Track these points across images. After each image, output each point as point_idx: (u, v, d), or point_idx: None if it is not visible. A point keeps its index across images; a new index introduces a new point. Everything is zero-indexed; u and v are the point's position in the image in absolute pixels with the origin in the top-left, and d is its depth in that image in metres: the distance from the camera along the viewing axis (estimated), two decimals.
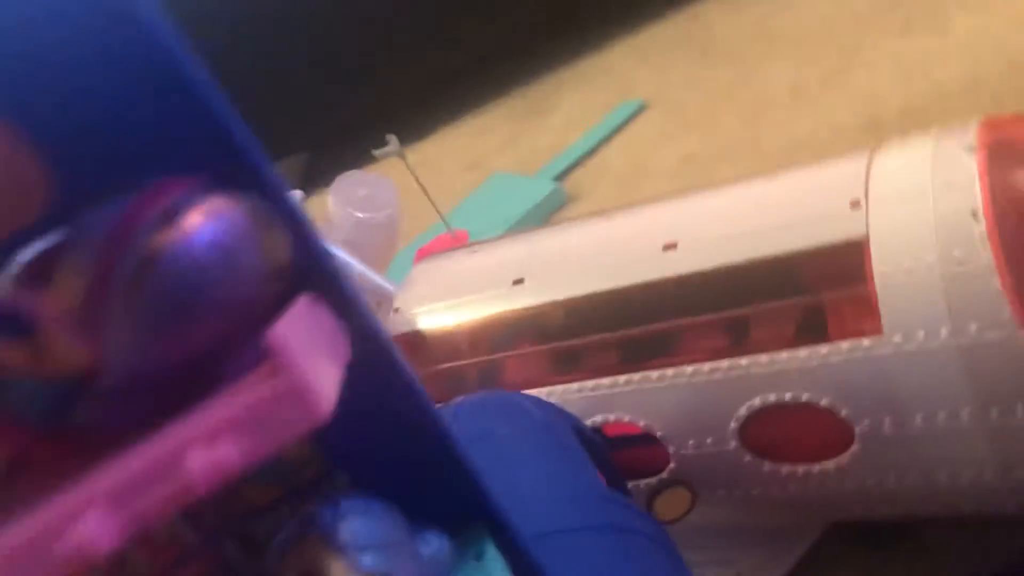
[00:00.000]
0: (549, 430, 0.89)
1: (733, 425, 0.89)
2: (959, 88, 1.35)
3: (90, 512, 0.38)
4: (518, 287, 1.03)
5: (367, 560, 0.54)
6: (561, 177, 1.73)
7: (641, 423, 0.93)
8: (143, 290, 0.42)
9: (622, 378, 0.94)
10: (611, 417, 0.95)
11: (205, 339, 0.43)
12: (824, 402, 0.84)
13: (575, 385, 0.97)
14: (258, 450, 0.39)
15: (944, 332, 0.77)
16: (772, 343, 0.89)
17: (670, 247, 0.95)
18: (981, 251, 0.76)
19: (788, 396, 0.85)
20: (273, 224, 0.44)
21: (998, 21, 1.44)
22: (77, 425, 0.45)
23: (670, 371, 0.93)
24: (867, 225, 0.83)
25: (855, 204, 0.85)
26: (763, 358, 0.88)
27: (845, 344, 0.84)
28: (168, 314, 0.42)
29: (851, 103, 1.50)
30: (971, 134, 0.82)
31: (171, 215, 0.42)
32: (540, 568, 0.60)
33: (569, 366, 1.02)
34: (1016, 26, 1.40)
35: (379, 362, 0.52)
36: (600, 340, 1.00)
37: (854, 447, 0.83)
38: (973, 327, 0.75)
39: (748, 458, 0.88)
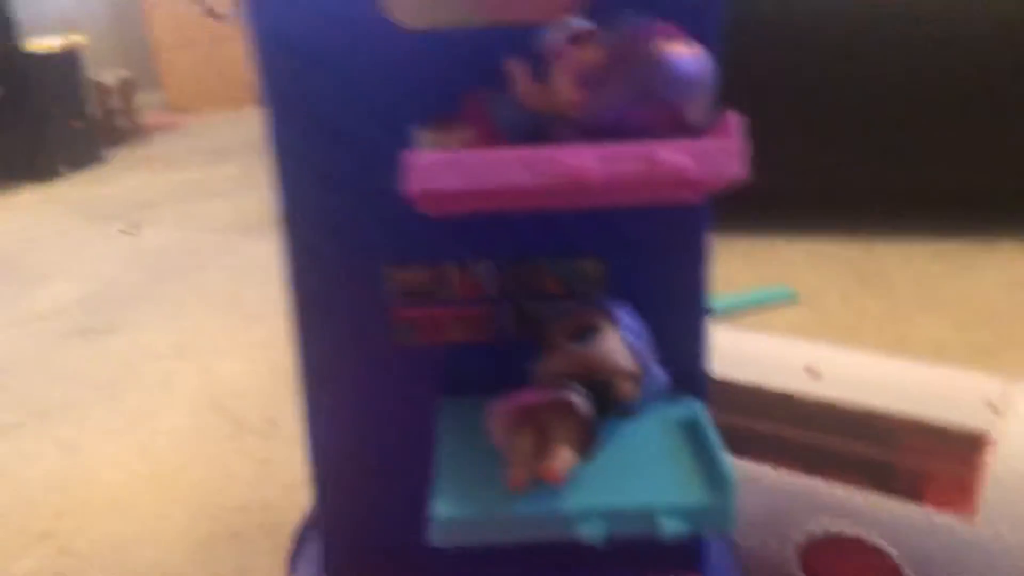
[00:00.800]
0: None
1: (798, 539, 1.00)
2: None
3: (586, 153, 0.64)
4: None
5: (628, 335, 0.78)
6: None
7: None
8: (640, 70, 0.69)
9: None
10: None
11: (659, 118, 0.70)
12: (894, 553, 0.94)
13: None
14: (700, 168, 0.64)
15: None
16: (865, 483, 1.03)
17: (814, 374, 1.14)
18: None
19: (860, 534, 0.96)
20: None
21: None
22: (537, 142, 0.70)
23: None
24: (995, 427, 0.97)
25: (992, 407, 1.02)
26: (856, 494, 1.02)
27: (935, 513, 0.96)
28: (647, 93, 0.69)
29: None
30: None
31: (678, 39, 0.70)
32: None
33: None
34: None
35: None
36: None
37: None
38: None
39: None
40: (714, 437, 0.78)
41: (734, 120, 0.65)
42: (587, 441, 0.72)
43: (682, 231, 0.84)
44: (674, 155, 0.63)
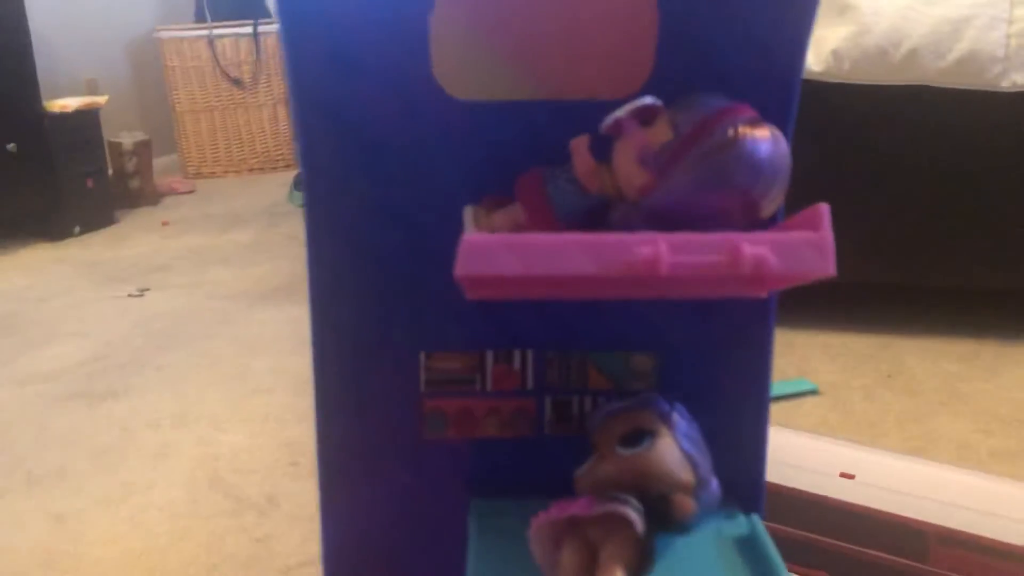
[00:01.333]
0: None
1: None
2: None
3: (661, 245, 0.58)
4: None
5: (685, 441, 0.71)
6: None
7: None
8: (715, 153, 0.63)
9: None
10: None
11: (732, 205, 0.64)
12: None
13: None
14: (785, 265, 0.58)
15: None
16: None
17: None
18: None
19: None
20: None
21: None
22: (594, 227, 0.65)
23: None
24: None
25: None
26: None
27: None
28: (722, 178, 0.63)
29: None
30: None
31: (756, 122, 0.64)
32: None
33: None
34: None
35: None
36: None
37: None
38: None
39: None
40: (775, 557, 0.70)
41: (824, 212, 0.59)
42: (641, 562, 0.65)
43: (745, 324, 0.78)
44: (758, 249, 0.57)
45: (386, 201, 0.76)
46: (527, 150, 0.71)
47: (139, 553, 1.61)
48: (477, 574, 0.71)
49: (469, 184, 0.72)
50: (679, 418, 0.74)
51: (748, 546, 0.75)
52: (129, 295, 3.02)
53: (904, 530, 1.11)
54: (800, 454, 1.32)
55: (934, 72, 2.12)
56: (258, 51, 4.56)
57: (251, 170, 4.74)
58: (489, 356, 0.81)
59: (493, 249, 0.58)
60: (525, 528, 0.70)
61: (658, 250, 0.57)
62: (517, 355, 0.80)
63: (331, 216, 0.76)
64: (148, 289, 3.06)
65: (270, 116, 4.73)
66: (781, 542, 1.12)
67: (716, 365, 0.80)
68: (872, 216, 2.31)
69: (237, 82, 4.59)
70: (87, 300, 3.01)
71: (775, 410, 1.98)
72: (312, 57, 0.72)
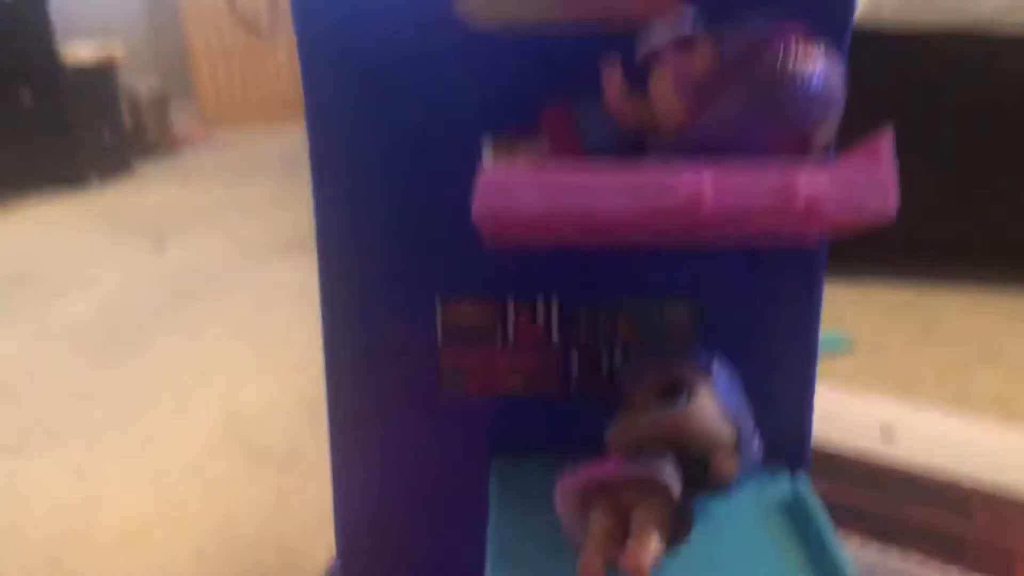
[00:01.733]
0: None
1: None
2: None
3: (706, 179, 0.51)
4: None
5: (725, 397, 0.65)
6: None
7: None
8: (763, 84, 0.56)
9: None
10: None
11: (780, 139, 0.57)
12: None
13: None
14: (845, 202, 0.52)
15: None
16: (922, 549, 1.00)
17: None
18: None
19: None
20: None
21: None
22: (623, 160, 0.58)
23: None
24: None
25: None
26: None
27: None
28: (772, 108, 0.56)
29: None
30: None
31: (808, 45, 0.57)
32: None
33: None
34: None
35: None
36: None
37: None
38: None
39: None
40: (824, 520, 0.65)
41: (886, 144, 0.52)
42: (677, 527, 0.59)
43: (792, 271, 0.71)
44: (815, 186, 0.50)
45: (398, 138, 0.70)
46: (552, 85, 0.64)
47: (158, 508, 1.60)
48: (498, 538, 0.66)
49: (489, 119, 0.66)
50: (719, 371, 0.68)
51: (793, 508, 0.70)
52: (148, 247, 2.99)
53: (945, 487, 1.07)
54: (837, 409, 1.28)
55: (988, 11, 2.01)
56: None
57: (271, 119, 4.68)
58: (511, 307, 0.75)
59: (514, 186, 0.52)
60: (550, 490, 0.65)
61: (701, 185, 0.51)
62: (541, 306, 0.74)
63: (338, 156, 0.71)
64: (165, 239, 3.02)
65: (288, 63, 4.65)
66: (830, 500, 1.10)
67: (760, 317, 0.73)
68: (919, 169, 2.22)
69: (254, 28, 4.50)
70: (104, 252, 2.99)
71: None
72: None
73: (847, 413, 1.27)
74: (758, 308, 0.73)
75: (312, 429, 1.85)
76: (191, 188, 3.76)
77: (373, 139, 0.71)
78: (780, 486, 0.72)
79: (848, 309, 2.24)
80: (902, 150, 1.76)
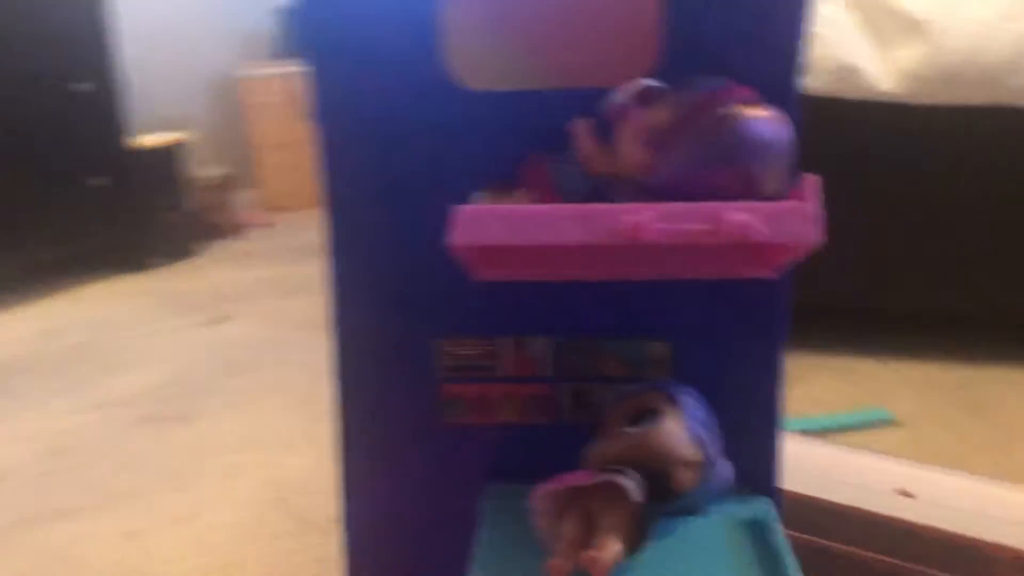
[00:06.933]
0: None
1: None
2: None
3: (646, 212, 0.61)
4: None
5: (692, 422, 0.74)
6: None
7: None
8: (713, 131, 0.66)
9: None
10: None
11: (731, 184, 0.66)
12: None
13: None
14: (770, 231, 0.60)
15: None
16: None
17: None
18: None
19: None
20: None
21: None
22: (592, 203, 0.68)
23: None
24: None
25: None
26: None
27: None
28: (720, 155, 0.66)
29: None
30: None
31: (751, 102, 0.67)
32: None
33: None
34: None
35: None
36: None
37: None
38: None
39: None
40: (781, 540, 0.72)
41: (812, 183, 0.61)
42: (637, 532, 0.67)
43: (758, 313, 0.80)
44: (741, 215, 0.59)
45: (400, 193, 0.81)
46: (535, 138, 0.75)
47: (205, 571, 1.68)
48: (484, 551, 0.74)
49: (478, 172, 0.77)
50: (688, 399, 0.76)
51: (755, 529, 0.77)
52: (204, 324, 3.13)
53: (972, 552, 1.08)
54: (861, 473, 1.29)
55: (1018, 91, 2.07)
56: None
57: None
58: (506, 343, 0.84)
59: (484, 218, 0.62)
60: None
61: (641, 217, 0.60)
62: (533, 342, 0.84)
63: (349, 213, 0.82)
64: (225, 318, 3.16)
65: None
66: (844, 561, 1.11)
67: (730, 353, 0.82)
68: (956, 243, 2.27)
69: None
70: (163, 329, 3.14)
71: (848, 438, 1.95)
72: (334, 57, 0.77)
73: (867, 475, 1.29)
74: (727, 345, 0.81)
75: None
76: (251, 267, 3.91)
77: (378, 192, 0.82)
78: (745, 510, 0.79)
79: (889, 386, 2.27)
80: (947, 225, 1.80)
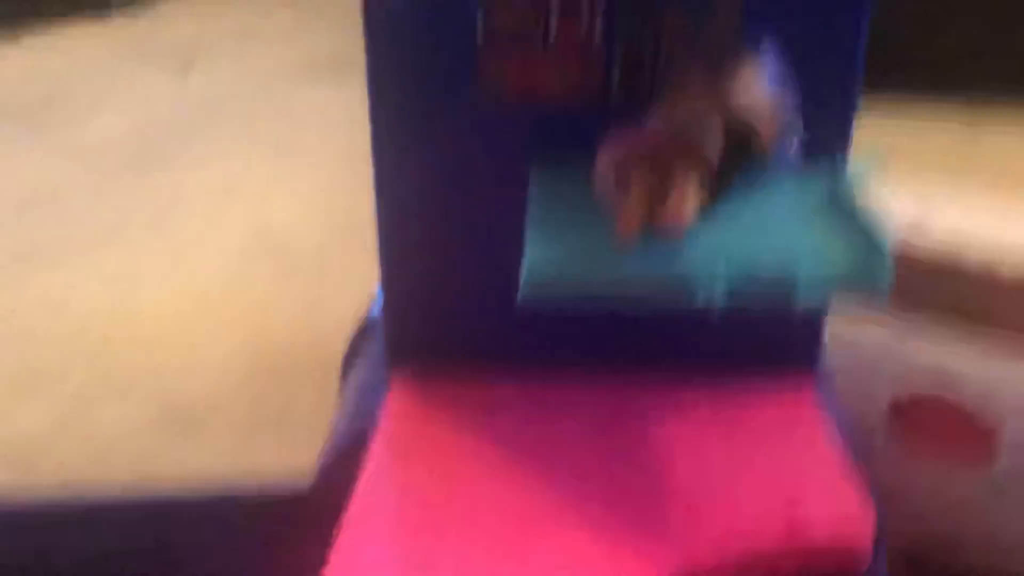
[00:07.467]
0: None
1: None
2: None
3: None
4: None
5: (771, 79, 0.64)
6: None
7: None
8: None
9: None
10: None
11: None
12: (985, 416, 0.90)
13: None
14: None
15: None
16: None
17: None
18: None
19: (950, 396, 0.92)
20: None
21: None
22: None
23: None
24: None
25: None
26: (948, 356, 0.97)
27: None
28: None
29: None
30: None
31: None
32: None
33: None
34: None
35: None
36: None
37: None
38: None
39: None
40: (862, 204, 0.65)
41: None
42: (715, 190, 0.60)
43: None
44: None
45: None
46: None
47: (191, 312, 1.66)
48: (537, 222, 0.67)
49: None
50: (769, 54, 0.67)
51: (834, 189, 0.70)
52: (174, 73, 2.97)
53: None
54: None
55: None
56: None
57: None
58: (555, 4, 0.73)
59: None
60: (588, 189, 0.65)
61: None
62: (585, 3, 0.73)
63: None
64: (191, 66, 3.00)
65: None
66: None
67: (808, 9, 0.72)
68: None
69: None
70: (130, 76, 2.98)
71: None
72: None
73: None
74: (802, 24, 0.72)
75: (341, 244, 1.87)
76: (216, 15, 3.67)
77: None
78: (822, 174, 0.72)
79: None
80: None
